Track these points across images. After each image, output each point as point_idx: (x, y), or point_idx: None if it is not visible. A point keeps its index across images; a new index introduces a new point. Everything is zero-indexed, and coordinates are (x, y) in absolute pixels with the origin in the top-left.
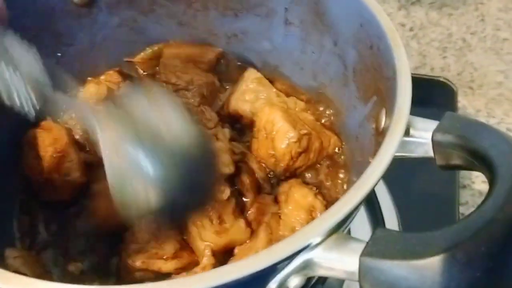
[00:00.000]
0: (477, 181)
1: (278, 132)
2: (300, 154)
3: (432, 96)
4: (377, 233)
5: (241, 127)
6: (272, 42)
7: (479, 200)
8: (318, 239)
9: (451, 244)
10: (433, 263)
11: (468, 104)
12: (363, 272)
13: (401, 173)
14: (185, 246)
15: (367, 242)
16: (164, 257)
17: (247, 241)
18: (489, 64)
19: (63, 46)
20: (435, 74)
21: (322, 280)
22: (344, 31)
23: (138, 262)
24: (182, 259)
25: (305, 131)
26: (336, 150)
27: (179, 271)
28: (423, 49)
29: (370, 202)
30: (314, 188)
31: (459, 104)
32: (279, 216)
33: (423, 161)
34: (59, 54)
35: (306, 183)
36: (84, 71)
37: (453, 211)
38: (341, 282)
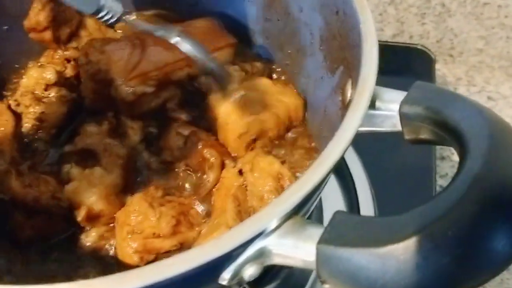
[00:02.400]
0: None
1: (228, 124)
2: (254, 140)
3: (409, 64)
4: (336, 217)
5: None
6: (235, 9)
7: None
8: (273, 225)
9: (416, 229)
10: (396, 251)
11: (448, 72)
12: (321, 261)
13: (375, 145)
14: (181, 221)
15: (325, 228)
16: (161, 235)
17: (215, 218)
18: (470, 30)
19: (9, 18)
20: (414, 42)
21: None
22: None
23: (135, 244)
24: (181, 235)
25: (252, 117)
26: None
27: (179, 247)
28: (401, 16)
29: (343, 177)
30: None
31: (439, 72)
32: (245, 187)
33: (398, 132)
34: (6, 28)
35: None
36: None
37: (431, 183)
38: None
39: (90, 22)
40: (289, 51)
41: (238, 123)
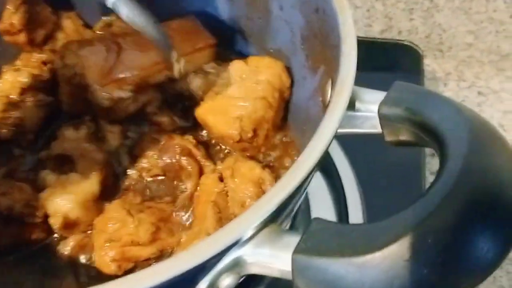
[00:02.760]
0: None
1: (219, 129)
2: (255, 131)
3: (397, 61)
4: (313, 225)
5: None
6: (215, 8)
7: None
8: (249, 234)
9: (393, 237)
10: (374, 260)
11: (437, 68)
12: (297, 271)
13: (362, 141)
14: (161, 227)
15: (301, 237)
16: (140, 243)
17: (196, 225)
18: (458, 24)
19: None
20: (402, 37)
21: None
22: None
23: (112, 253)
24: (160, 241)
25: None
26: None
27: (158, 254)
28: (389, 11)
29: (330, 176)
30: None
31: (429, 68)
32: (226, 193)
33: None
34: None
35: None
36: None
37: (420, 181)
38: None
39: (67, 23)
40: (271, 50)
41: (227, 125)
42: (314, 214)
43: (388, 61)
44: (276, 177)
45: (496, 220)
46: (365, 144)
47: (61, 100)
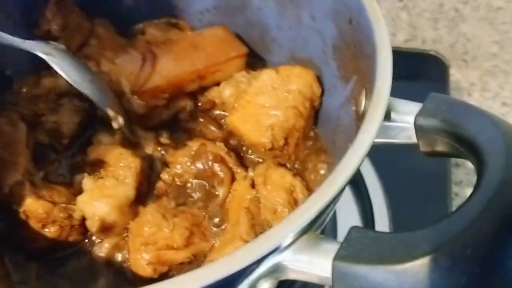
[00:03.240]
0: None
1: (251, 137)
2: (286, 140)
3: (423, 70)
4: (352, 233)
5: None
6: (246, 17)
7: (474, 179)
8: (288, 241)
9: (433, 246)
10: (413, 269)
11: (461, 78)
12: (337, 278)
13: (389, 151)
14: (194, 232)
15: (341, 244)
16: (175, 247)
17: (229, 231)
18: (483, 34)
19: (21, 28)
20: (426, 47)
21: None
22: (321, 4)
23: (148, 256)
24: (194, 246)
25: (269, 122)
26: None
27: (192, 258)
28: (414, 21)
29: (357, 186)
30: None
31: (453, 78)
32: (259, 200)
33: (415, 151)
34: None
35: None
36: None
37: (446, 191)
38: None
39: (100, 30)
40: (301, 59)
41: (259, 133)
42: (340, 222)
43: (413, 70)
44: (306, 185)
45: None
46: (391, 154)
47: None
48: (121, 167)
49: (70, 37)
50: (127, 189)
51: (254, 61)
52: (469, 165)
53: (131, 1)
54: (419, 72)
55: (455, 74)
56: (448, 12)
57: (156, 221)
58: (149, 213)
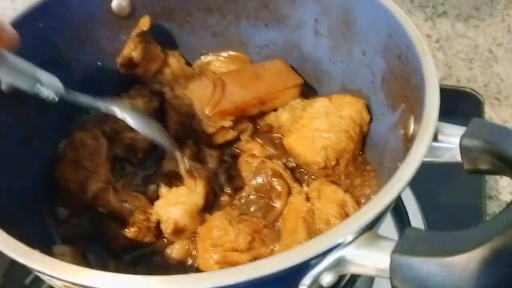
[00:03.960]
0: (504, 192)
1: (304, 157)
2: (337, 160)
3: (458, 107)
4: (407, 231)
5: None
6: (301, 52)
7: None
8: (350, 238)
9: (479, 242)
10: (461, 260)
11: (494, 115)
12: (394, 269)
13: (428, 183)
14: (255, 238)
15: (398, 240)
16: (239, 249)
17: (286, 237)
18: None
19: (104, 55)
20: (461, 85)
21: (351, 281)
22: (372, 41)
23: (216, 256)
24: (255, 250)
25: (322, 144)
26: (366, 116)
27: (253, 261)
28: (449, 61)
29: (398, 212)
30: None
31: (486, 115)
32: (313, 212)
33: (450, 172)
34: (100, 64)
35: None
36: (125, 81)
37: (480, 222)
38: (370, 283)
39: (172, 60)
40: (351, 90)
41: (314, 153)
42: None
43: (448, 106)
44: (356, 200)
45: None
46: (431, 186)
47: (168, 126)
48: (192, 178)
49: (148, 65)
50: (197, 197)
51: (307, 91)
52: (502, 197)
53: (198, 35)
54: (454, 108)
55: (488, 112)
56: (482, 53)
57: (223, 225)
58: (217, 219)
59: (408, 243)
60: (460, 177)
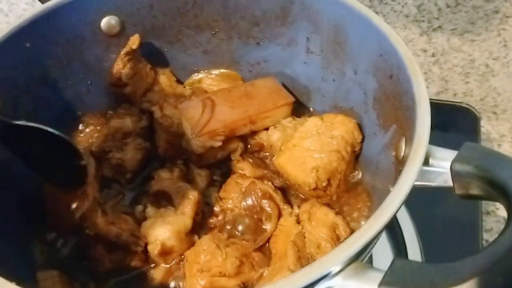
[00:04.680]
0: (502, 208)
1: (295, 178)
2: (329, 181)
3: (454, 121)
4: (396, 263)
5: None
6: (293, 70)
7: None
8: (338, 268)
9: (468, 275)
10: None
11: (492, 129)
12: None
13: (423, 199)
14: (244, 262)
15: (386, 272)
16: (227, 274)
17: (276, 262)
18: None
19: (92, 74)
20: (457, 100)
21: None
22: (363, 60)
23: (203, 281)
24: (244, 275)
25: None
26: (358, 136)
27: (242, 286)
28: (445, 75)
29: (392, 229)
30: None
31: (483, 129)
32: (304, 235)
33: (446, 188)
34: (89, 82)
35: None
36: (114, 99)
37: (476, 238)
38: None
39: (163, 79)
40: (343, 109)
41: (305, 174)
42: (376, 260)
43: (444, 121)
44: (348, 223)
45: None
46: (426, 201)
47: (158, 146)
48: (181, 198)
49: (137, 84)
50: (185, 218)
51: (299, 109)
52: (499, 213)
53: (189, 53)
54: (450, 123)
55: (485, 126)
56: (478, 67)
57: (210, 249)
58: (205, 242)
59: (396, 275)
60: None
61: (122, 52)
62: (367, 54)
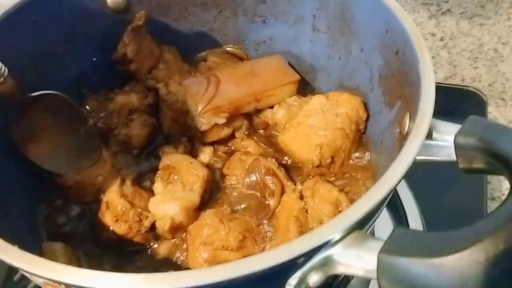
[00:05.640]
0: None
1: (299, 155)
2: (332, 158)
3: (461, 106)
4: (396, 231)
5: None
6: (299, 48)
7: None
8: (338, 236)
9: (469, 243)
10: (450, 262)
11: (499, 115)
12: (381, 269)
13: (428, 185)
14: (247, 237)
15: (386, 240)
16: (229, 248)
17: (279, 236)
18: None
19: (98, 51)
20: (465, 84)
21: (345, 282)
22: (370, 37)
23: (205, 255)
24: (246, 249)
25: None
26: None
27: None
28: (454, 59)
29: (398, 215)
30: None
31: (490, 115)
32: (306, 211)
33: (450, 172)
34: (94, 59)
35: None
36: (119, 77)
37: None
38: (366, 284)
39: (168, 56)
40: (349, 87)
41: (309, 151)
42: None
43: (452, 106)
44: (351, 200)
45: None
46: (431, 186)
47: (163, 123)
48: (190, 175)
49: (142, 61)
50: (194, 195)
51: (305, 88)
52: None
53: (195, 31)
54: (457, 107)
55: (493, 112)
56: (487, 52)
57: (213, 224)
58: (208, 216)
59: (396, 243)
60: (461, 178)
61: (128, 28)
62: (374, 31)
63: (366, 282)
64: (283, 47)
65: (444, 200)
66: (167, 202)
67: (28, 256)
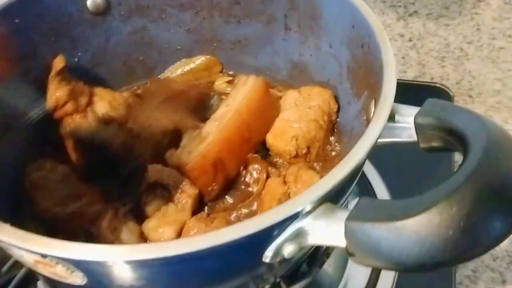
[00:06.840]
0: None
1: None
2: (308, 149)
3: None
4: (362, 201)
5: None
6: (273, 47)
7: None
8: (308, 207)
9: (425, 207)
10: (410, 224)
11: None
12: (348, 235)
13: (397, 166)
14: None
15: (352, 209)
16: None
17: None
18: (487, 72)
19: (79, 51)
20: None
21: (320, 263)
22: (338, 34)
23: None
24: None
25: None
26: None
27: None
28: (422, 59)
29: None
30: None
31: None
32: (289, 195)
33: (419, 153)
34: (76, 60)
35: None
36: (99, 78)
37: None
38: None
39: (98, 90)
40: (320, 81)
41: (285, 143)
42: None
43: (420, 101)
44: None
45: (504, 203)
46: (397, 160)
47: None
48: (180, 194)
49: (77, 100)
50: (185, 214)
51: (280, 84)
52: None
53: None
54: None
55: None
56: (454, 51)
57: (200, 230)
58: (193, 225)
59: (362, 211)
60: (429, 157)
61: (50, 76)
62: (341, 27)
63: (342, 267)
64: (258, 46)
65: (413, 180)
66: (162, 227)
67: (20, 232)
